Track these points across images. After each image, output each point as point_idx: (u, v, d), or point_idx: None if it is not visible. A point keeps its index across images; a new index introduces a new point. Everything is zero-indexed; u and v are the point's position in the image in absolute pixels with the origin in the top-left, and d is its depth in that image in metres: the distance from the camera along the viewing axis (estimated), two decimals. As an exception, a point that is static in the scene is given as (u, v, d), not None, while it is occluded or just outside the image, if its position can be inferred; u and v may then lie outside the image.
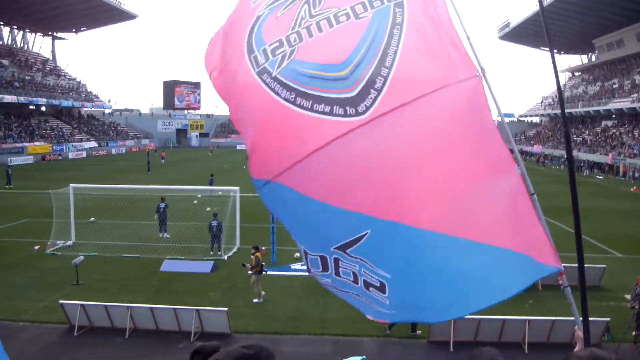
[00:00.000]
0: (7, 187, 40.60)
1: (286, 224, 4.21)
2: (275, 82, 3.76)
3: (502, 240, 3.48)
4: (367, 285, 3.82)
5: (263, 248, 21.29)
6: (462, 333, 13.42)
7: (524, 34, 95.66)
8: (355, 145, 3.58)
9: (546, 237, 3.56)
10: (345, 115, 3.58)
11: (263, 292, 16.62)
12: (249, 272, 16.80)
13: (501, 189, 3.56)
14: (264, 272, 16.86)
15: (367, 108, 3.56)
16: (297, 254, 21.78)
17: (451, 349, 13.22)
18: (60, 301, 14.55)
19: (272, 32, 3.92)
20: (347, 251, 3.77)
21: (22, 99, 76.28)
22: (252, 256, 16.79)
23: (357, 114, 3.56)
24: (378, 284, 3.74)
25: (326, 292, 16.35)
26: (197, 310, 13.94)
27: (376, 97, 3.57)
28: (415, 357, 13.30)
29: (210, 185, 34.84)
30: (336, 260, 3.90)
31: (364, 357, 6.67)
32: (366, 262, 3.75)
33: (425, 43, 3.74)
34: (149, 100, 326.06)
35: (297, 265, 20.01)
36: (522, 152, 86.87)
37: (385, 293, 3.73)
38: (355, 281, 3.89)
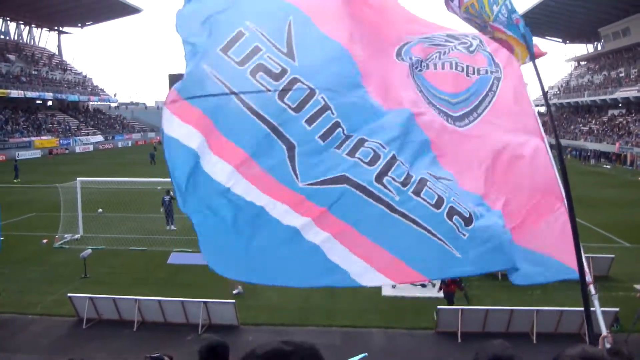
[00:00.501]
0: (15, 181, 40.77)
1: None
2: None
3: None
4: (451, 212, 4.06)
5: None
6: (470, 324, 13.40)
7: (529, 23, 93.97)
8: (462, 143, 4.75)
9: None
10: (449, 123, 4.89)
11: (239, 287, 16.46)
12: None
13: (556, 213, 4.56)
14: None
15: (468, 124, 4.94)
16: None
17: (459, 340, 13.21)
18: (69, 294, 14.63)
19: (417, 52, 5.22)
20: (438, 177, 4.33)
21: (29, 94, 76.53)
22: None
23: (460, 126, 4.90)
24: (467, 215, 4.09)
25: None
26: (205, 303, 13.98)
27: (473, 121, 4.97)
28: (423, 348, 13.30)
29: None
30: (422, 180, 4.14)
31: (366, 354, 6.67)
32: (455, 192, 4.22)
33: (508, 111, 5.13)
34: (155, 93, 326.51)
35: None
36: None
37: (470, 225, 4.08)
38: (438, 206, 4.06)
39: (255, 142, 4.11)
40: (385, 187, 4.03)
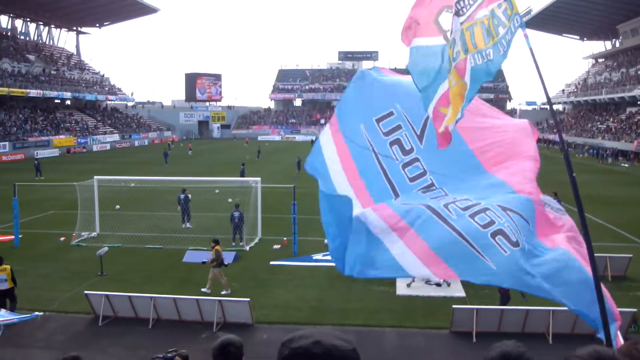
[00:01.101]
0: (36, 178, 41.23)
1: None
2: None
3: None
4: (496, 233, 4.46)
5: (285, 239, 21.41)
6: (485, 324, 13.32)
7: (545, 20, 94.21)
8: None
9: None
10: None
11: (220, 290, 16.38)
12: (211, 266, 16.47)
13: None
14: (224, 265, 16.72)
15: None
16: (326, 240, 21.86)
17: (474, 340, 13.12)
18: (85, 292, 14.79)
19: None
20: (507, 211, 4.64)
21: (47, 93, 77.37)
22: (212, 249, 16.59)
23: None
24: (514, 240, 4.45)
25: (349, 282, 16.35)
26: (220, 301, 14.05)
27: None
28: (437, 348, 13.25)
29: (242, 174, 35.91)
30: (485, 209, 4.65)
31: None
32: (516, 224, 4.56)
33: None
34: (171, 92, 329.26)
35: (319, 256, 20.05)
36: (545, 141, 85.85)
37: (516, 247, 4.41)
38: (486, 227, 4.51)
39: (377, 187, 5.43)
40: (448, 209, 4.76)
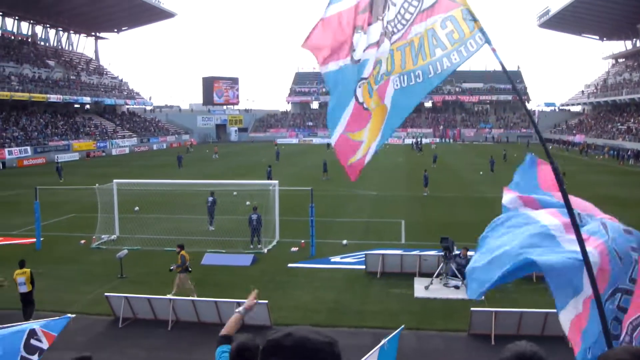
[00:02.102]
0: (61, 181, 41.87)
1: None
2: None
3: None
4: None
5: (302, 242, 21.46)
6: (503, 326, 13.24)
7: (564, 20, 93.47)
8: None
9: None
10: None
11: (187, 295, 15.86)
12: (177, 271, 16.25)
13: None
14: (189, 271, 16.35)
15: None
16: (344, 241, 21.88)
17: (492, 343, 13.04)
18: (106, 294, 14.95)
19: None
20: None
21: (67, 98, 78.34)
22: (178, 255, 16.41)
23: None
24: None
25: (367, 284, 16.38)
26: (238, 303, 14.08)
27: None
28: (456, 350, 13.20)
29: (269, 177, 36.73)
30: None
31: (403, 326, 6.65)
32: None
33: None
34: (189, 96, 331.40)
35: (337, 258, 20.09)
36: (564, 142, 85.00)
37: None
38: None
39: None
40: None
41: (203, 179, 34.25)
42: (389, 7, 4.52)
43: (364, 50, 4.61)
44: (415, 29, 4.31)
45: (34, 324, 8.96)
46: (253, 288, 5.18)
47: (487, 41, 4.03)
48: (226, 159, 65.31)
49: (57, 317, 10.00)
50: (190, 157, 62.54)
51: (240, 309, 4.69)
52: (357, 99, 4.66)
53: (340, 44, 4.71)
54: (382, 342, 7.22)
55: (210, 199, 25.13)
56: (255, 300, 4.92)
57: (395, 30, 4.41)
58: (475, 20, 4.12)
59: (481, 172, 47.51)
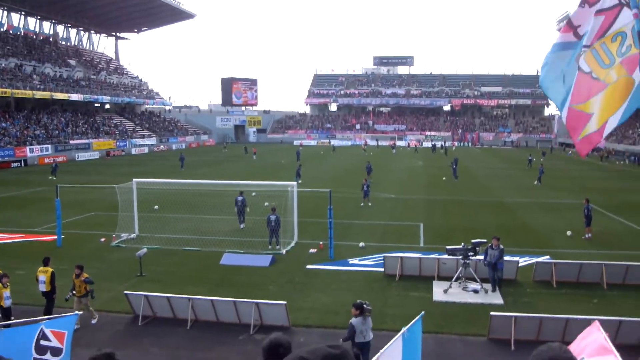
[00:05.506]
0: (54, 179, 41.92)
1: None
2: None
3: None
4: None
5: (321, 243, 21.40)
6: (523, 331, 13.12)
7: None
8: None
9: None
10: None
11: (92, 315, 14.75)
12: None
13: None
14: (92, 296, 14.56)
15: None
16: (361, 244, 21.83)
17: (512, 348, 12.93)
18: (125, 292, 15.06)
19: None
20: None
21: (88, 97, 79.20)
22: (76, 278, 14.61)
23: None
24: None
25: (386, 287, 16.41)
26: (257, 303, 14.13)
27: None
28: (476, 355, 13.09)
29: (298, 175, 38.87)
30: None
31: (423, 312, 6.63)
32: None
33: None
34: (208, 97, 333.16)
35: (355, 260, 20.03)
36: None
37: None
38: None
39: None
40: None
41: (227, 179, 34.32)
42: None
43: (586, 23, 4.50)
44: None
45: (41, 323, 9.03)
46: None
47: None
48: (266, 157, 65.79)
49: (64, 315, 10.09)
50: (226, 155, 62.31)
51: None
52: (581, 69, 4.48)
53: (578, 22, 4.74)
54: (403, 330, 7.17)
55: (240, 198, 25.23)
56: None
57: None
58: None
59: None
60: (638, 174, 52.57)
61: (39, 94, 69.04)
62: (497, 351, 13.09)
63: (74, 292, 14.39)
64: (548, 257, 20.06)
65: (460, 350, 13.22)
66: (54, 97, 72.07)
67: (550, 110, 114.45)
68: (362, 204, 31.01)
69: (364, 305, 11.10)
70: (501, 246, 16.49)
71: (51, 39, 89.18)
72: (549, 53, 4.88)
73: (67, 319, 9.83)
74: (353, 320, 11.05)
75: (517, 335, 13.08)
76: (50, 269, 14.54)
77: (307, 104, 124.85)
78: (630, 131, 79.80)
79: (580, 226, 24.37)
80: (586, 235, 23.57)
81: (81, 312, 12.85)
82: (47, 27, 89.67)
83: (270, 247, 21.64)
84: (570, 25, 4.65)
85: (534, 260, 19.12)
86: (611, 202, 33.00)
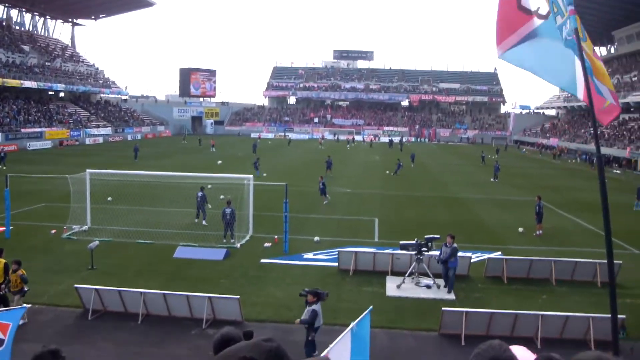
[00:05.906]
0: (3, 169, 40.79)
1: None
2: None
3: None
4: None
5: (276, 237, 21.39)
6: (473, 327, 13.39)
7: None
8: None
9: None
10: None
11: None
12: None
13: None
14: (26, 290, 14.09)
15: None
16: (316, 238, 21.85)
17: (462, 343, 13.18)
18: (75, 285, 14.73)
19: None
20: None
21: (41, 85, 77.00)
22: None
23: None
24: None
25: (340, 282, 16.51)
26: (210, 298, 14.03)
27: None
28: (427, 350, 13.30)
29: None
30: None
31: (371, 307, 6.71)
32: None
33: None
34: (165, 87, 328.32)
35: (310, 255, 20.08)
36: (538, 145, 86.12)
37: None
38: None
39: None
40: None
41: (182, 171, 33.86)
42: None
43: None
44: None
45: None
46: None
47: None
48: (224, 150, 65.09)
49: (11, 308, 9.88)
50: (183, 147, 61.55)
51: None
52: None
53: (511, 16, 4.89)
54: (351, 325, 7.25)
55: (200, 193, 24.69)
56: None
57: None
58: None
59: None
60: (589, 172, 54.13)
61: (-11, 80, 66.82)
62: (448, 346, 13.34)
63: (7, 286, 13.81)
64: (500, 253, 20.49)
65: (412, 345, 13.41)
66: (6, 84, 69.79)
67: (507, 107, 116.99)
68: (325, 202, 30.65)
69: (318, 291, 11.40)
70: (455, 245, 16.65)
71: (4, 23, 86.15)
72: (518, 49, 4.89)
73: (13, 312, 9.66)
74: (315, 306, 11.20)
75: (468, 330, 13.35)
76: (3, 260, 14.09)
77: (265, 97, 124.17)
78: (582, 130, 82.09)
79: (531, 223, 24.95)
80: (537, 232, 24.17)
81: (29, 306, 12.51)
82: (0, 10, 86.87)
83: (224, 240, 21.49)
84: (526, 12, 4.71)
85: (486, 256, 19.52)
86: (562, 200, 33.92)
